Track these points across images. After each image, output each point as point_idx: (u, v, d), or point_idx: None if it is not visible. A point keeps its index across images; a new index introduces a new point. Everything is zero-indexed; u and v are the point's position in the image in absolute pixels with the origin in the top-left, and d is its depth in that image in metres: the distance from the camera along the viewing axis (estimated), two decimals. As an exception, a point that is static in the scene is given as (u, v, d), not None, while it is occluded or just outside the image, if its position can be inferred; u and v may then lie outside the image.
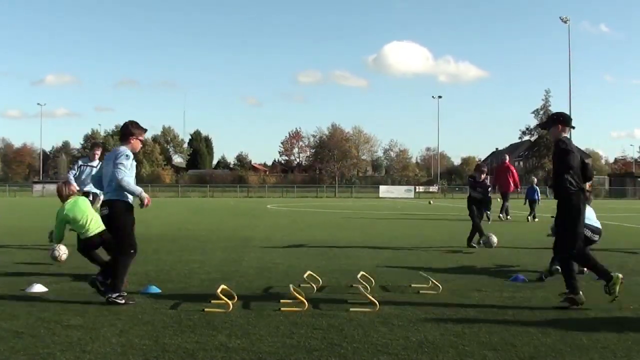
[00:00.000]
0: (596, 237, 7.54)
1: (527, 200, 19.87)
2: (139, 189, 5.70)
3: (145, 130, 6.09)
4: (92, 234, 6.75)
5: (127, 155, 5.70)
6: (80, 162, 10.33)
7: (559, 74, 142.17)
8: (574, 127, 6.09)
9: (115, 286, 5.55)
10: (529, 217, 18.85)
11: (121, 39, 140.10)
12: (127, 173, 5.64)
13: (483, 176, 11.52)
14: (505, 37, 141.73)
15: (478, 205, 11.25)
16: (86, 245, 6.83)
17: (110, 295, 5.50)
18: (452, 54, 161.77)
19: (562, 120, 5.91)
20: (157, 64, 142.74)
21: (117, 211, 5.67)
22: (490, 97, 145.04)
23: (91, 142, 11.52)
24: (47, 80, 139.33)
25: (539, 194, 20.48)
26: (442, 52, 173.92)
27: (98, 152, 10.32)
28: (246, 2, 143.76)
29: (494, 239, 10.37)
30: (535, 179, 21.21)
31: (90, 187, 9.63)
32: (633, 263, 8.63)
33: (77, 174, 10.05)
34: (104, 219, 5.99)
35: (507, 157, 20.02)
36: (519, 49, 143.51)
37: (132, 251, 5.76)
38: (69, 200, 7.03)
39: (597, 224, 7.60)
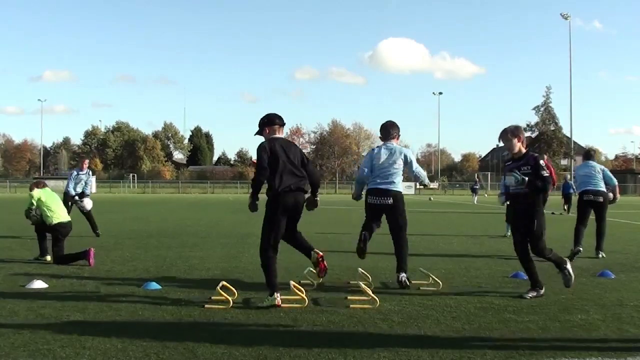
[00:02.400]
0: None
1: (563, 195, 22.62)
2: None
3: None
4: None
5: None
6: (75, 172, 12.52)
7: (556, 71, 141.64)
8: (284, 124, 5.74)
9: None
10: (565, 207, 21.76)
11: (117, 34, 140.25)
12: None
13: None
14: (501, 33, 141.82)
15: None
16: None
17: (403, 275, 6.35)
18: (447, 50, 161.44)
19: (266, 122, 5.70)
20: (154, 60, 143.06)
21: (401, 201, 6.58)
22: (488, 94, 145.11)
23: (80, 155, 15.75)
24: (45, 77, 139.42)
25: (574, 188, 21.70)
26: (437, 48, 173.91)
27: (86, 163, 12.66)
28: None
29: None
30: (569, 175, 24.19)
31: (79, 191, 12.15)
32: (633, 260, 8.62)
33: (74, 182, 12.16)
34: (388, 208, 6.49)
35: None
36: (515, 45, 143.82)
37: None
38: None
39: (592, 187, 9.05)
